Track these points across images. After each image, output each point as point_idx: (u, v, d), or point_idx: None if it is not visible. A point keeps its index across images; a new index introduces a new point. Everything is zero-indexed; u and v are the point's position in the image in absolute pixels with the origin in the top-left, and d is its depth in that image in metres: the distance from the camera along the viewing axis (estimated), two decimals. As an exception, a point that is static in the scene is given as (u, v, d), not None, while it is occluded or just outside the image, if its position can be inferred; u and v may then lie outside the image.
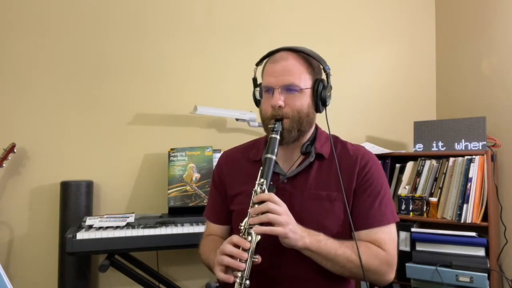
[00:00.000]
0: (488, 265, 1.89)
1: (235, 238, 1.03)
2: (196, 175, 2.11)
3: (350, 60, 2.61)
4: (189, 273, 2.29)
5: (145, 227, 1.79)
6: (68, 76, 2.21)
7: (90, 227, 1.80)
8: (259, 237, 1.02)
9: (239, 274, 0.99)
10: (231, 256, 1.01)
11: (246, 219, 1.05)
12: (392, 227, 1.18)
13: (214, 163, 2.11)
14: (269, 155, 1.10)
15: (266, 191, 1.07)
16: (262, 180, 1.07)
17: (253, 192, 1.07)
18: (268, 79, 1.17)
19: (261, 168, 1.10)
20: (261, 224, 1.02)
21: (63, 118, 2.20)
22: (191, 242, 1.78)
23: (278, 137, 1.12)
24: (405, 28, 2.70)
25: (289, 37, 2.48)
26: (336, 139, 1.26)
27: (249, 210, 1.05)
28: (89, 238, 1.70)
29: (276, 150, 1.11)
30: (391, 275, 1.15)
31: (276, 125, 1.13)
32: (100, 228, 1.79)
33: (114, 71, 2.27)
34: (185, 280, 2.28)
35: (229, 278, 1.00)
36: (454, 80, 2.58)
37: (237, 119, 2.26)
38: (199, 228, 1.80)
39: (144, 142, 2.28)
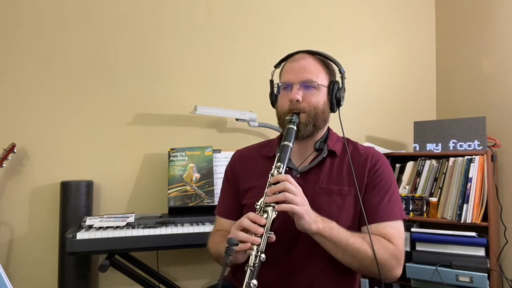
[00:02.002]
0: (488, 265, 1.89)
1: (251, 214, 1.06)
2: (196, 175, 2.10)
3: (350, 60, 2.60)
4: (189, 273, 2.29)
5: (145, 227, 1.79)
6: (68, 76, 2.21)
7: (90, 227, 1.80)
8: (274, 215, 1.05)
9: (255, 247, 1.02)
10: (247, 232, 1.04)
11: (262, 199, 1.08)
12: (400, 224, 1.20)
13: (214, 163, 2.11)
14: (286, 143, 1.15)
15: (283, 174, 1.11)
16: (279, 164, 1.12)
17: (270, 175, 1.11)
18: (287, 76, 1.24)
19: (278, 154, 1.15)
20: (278, 203, 1.06)
21: (63, 118, 2.20)
22: (191, 242, 1.78)
23: (295, 127, 1.18)
24: (405, 28, 2.70)
25: (289, 37, 2.48)
26: (347, 139, 1.31)
27: (265, 190, 1.09)
28: (89, 238, 1.69)
29: (292, 140, 1.16)
30: (399, 270, 1.16)
31: (293, 117, 1.19)
32: (100, 228, 1.79)
33: (114, 71, 2.27)
34: (185, 280, 2.28)
35: (245, 246, 1.02)
36: (454, 80, 2.58)
37: (237, 119, 2.26)
38: (199, 228, 1.80)
39: (144, 142, 2.28)
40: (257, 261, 1.00)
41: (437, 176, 2.14)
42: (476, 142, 2.08)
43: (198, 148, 2.15)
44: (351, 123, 2.54)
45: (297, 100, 1.19)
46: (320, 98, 1.23)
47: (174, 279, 2.21)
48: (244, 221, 1.05)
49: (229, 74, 2.41)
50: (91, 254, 2.03)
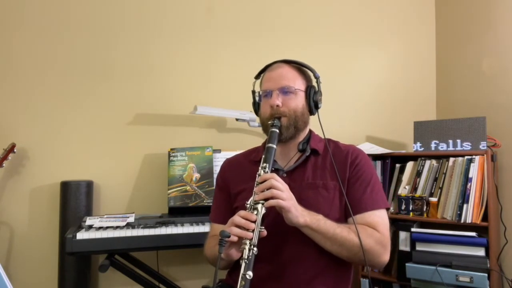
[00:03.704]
0: (488, 265, 1.89)
1: (242, 212, 1.13)
2: (196, 175, 2.10)
3: (350, 60, 2.61)
4: (189, 273, 2.29)
5: (145, 227, 1.79)
6: (68, 76, 2.21)
7: (90, 227, 1.80)
8: (264, 211, 1.12)
9: (248, 241, 1.07)
10: (239, 228, 1.10)
11: (251, 198, 1.15)
12: (384, 213, 1.27)
13: (214, 163, 2.11)
14: (270, 145, 1.23)
15: (269, 173, 1.18)
16: (265, 164, 1.19)
17: (257, 175, 1.18)
18: (267, 84, 1.33)
19: (263, 156, 1.22)
20: (266, 200, 1.12)
21: (63, 118, 2.20)
22: (191, 242, 1.78)
23: (277, 131, 1.26)
24: (405, 28, 2.70)
25: (289, 37, 2.48)
26: (328, 139, 1.39)
27: (254, 190, 1.15)
28: (89, 238, 1.70)
29: (276, 142, 1.24)
30: (386, 256, 1.22)
31: (275, 121, 1.27)
32: (100, 228, 1.79)
33: (114, 71, 2.27)
34: (185, 280, 2.28)
35: (242, 233, 1.08)
36: (454, 80, 2.57)
37: (237, 119, 2.26)
38: (199, 228, 1.80)
39: (144, 142, 2.28)
40: (250, 254, 1.06)
41: (437, 176, 2.14)
42: (476, 142, 2.08)
43: (198, 148, 2.15)
44: (351, 123, 2.56)
45: (277, 105, 1.27)
46: (298, 102, 1.31)
47: (174, 279, 2.21)
48: (236, 218, 1.11)
49: (229, 74, 2.40)
50: (91, 254, 2.03)
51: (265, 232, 1.11)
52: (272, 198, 1.11)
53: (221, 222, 1.37)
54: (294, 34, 2.50)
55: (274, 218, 1.16)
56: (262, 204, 1.11)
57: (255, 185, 1.16)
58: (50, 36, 2.19)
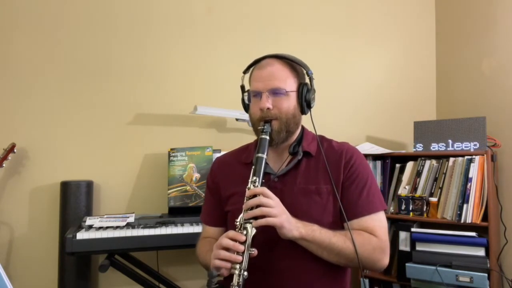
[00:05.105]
0: (488, 265, 1.89)
1: (231, 232, 1.07)
2: (196, 175, 2.10)
3: (350, 60, 2.61)
4: (189, 273, 2.29)
5: (145, 227, 1.79)
6: (68, 76, 2.21)
7: (90, 227, 1.80)
8: (254, 231, 1.06)
9: (237, 266, 1.03)
10: (228, 250, 1.05)
11: (241, 215, 1.09)
12: (381, 215, 1.23)
13: (214, 163, 2.11)
14: (260, 154, 1.16)
15: (259, 186, 1.12)
16: (254, 178, 1.13)
17: (247, 189, 1.12)
18: (256, 84, 1.25)
19: (253, 167, 1.15)
20: (256, 218, 1.07)
21: (63, 118, 2.20)
22: (191, 242, 1.76)
23: (267, 137, 1.18)
24: (405, 28, 2.70)
25: (288, 36, 2.48)
26: (322, 138, 1.33)
27: (243, 206, 1.10)
28: (89, 238, 1.70)
29: (266, 150, 1.17)
30: (385, 261, 1.19)
31: (265, 127, 1.20)
32: (100, 228, 1.79)
33: (114, 71, 2.27)
34: (185, 280, 2.28)
35: (226, 264, 1.03)
36: (454, 80, 2.57)
37: (237, 119, 2.26)
38: (199, 228, 1.80)
39: (144, 142, 2.28)
40: (240, 280, 1.01)
41: (437, 176, 2.14)
42: (476, 142, 2.08)
43: (198, 148, 2.15)
44: (351, 123, 2.56)
45: (268, 108, 1.20)
46: (290, 103, 1.23)
47: (174, 279, 2.21)
48: (224, 240, 1.06)
49: (229, 74, 2.39)
50: (91, 254, 2.03)
51: (255, 253, 1.05)
52: (262, 216, 1.06)
53: (212, 224, 1.36)
54: (294, 34, 2.50)
55: (267, 228, 1.09)
56: (252, 224, 1.06)
57: (245, 200, 1.10)
58: (49, 36, 2.19)
